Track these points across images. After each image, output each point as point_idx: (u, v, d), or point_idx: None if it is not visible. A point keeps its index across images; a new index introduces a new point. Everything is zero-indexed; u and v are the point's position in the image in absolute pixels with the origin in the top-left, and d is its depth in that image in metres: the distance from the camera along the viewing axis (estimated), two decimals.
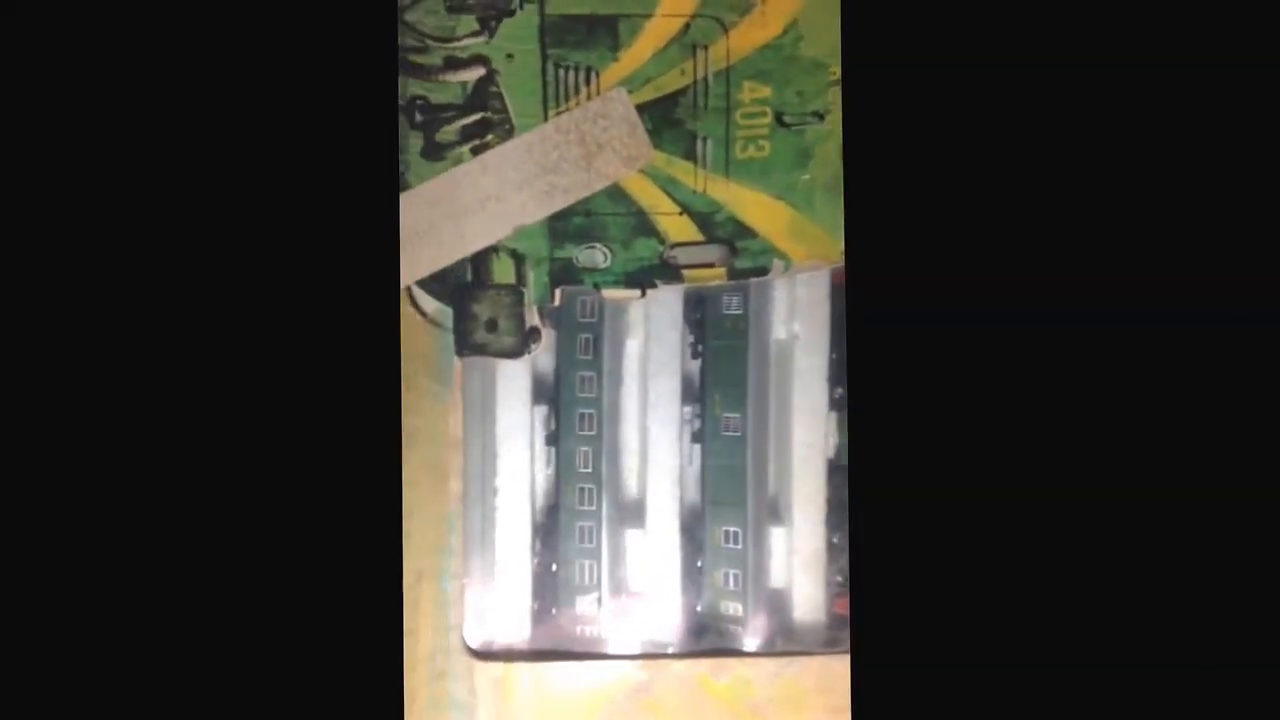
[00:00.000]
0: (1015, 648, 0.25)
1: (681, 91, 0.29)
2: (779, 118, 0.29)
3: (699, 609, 0.32)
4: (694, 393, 0.32)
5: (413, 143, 0.29)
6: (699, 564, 0.32)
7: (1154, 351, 0.25)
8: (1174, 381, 0.25)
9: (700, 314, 0.31)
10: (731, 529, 0.31)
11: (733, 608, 0.31)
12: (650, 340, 0.32)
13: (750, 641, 0.31)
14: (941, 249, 0.27)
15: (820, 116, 0.29)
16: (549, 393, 0.31)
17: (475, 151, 0.29)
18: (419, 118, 0.29)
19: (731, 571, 0.31)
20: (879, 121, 0.27)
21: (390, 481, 0.27)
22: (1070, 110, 0.26)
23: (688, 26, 0.29)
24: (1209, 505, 0.24)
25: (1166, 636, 0.24)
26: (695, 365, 0.32)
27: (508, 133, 0.29)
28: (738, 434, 0.31)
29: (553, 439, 0.32)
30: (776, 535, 0.31)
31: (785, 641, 0.31)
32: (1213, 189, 0.26)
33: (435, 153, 0.29)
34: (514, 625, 0.31)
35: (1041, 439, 0.25)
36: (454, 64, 0.29)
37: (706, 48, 0.29)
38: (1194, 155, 0.26)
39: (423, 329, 0.30)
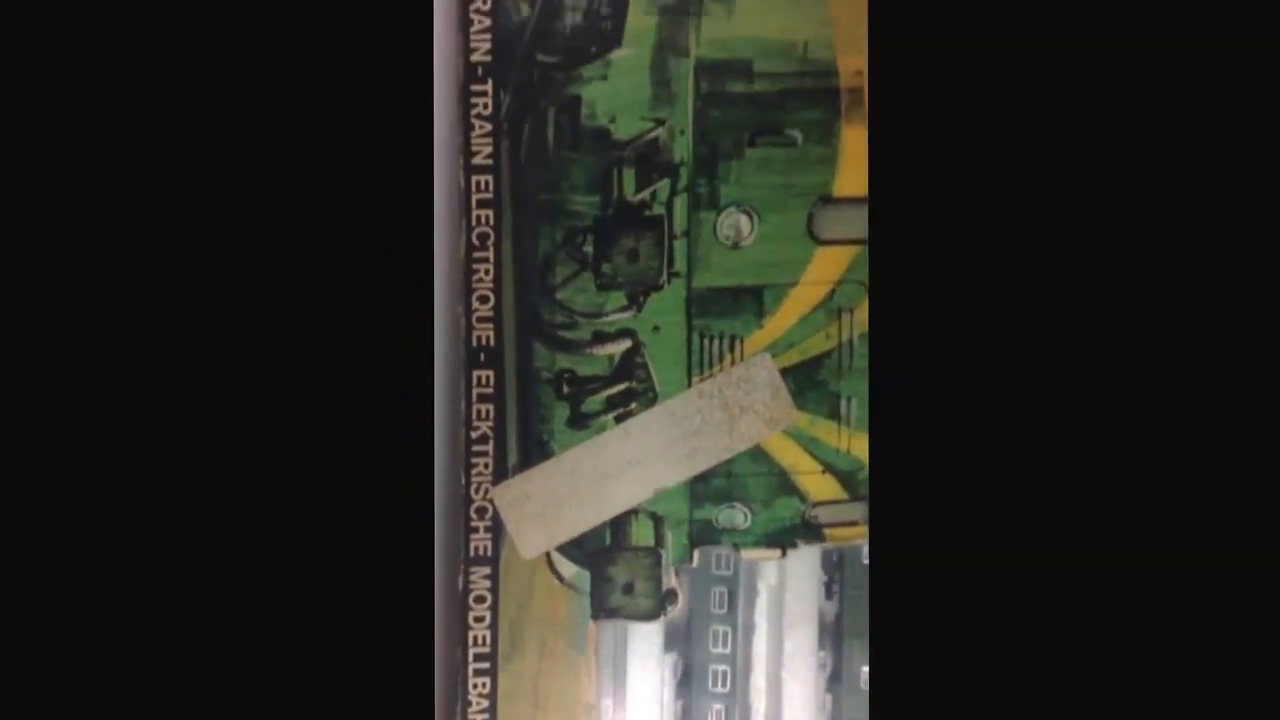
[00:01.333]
0: None
1: (826, 354, 0.29)
2: None
3: None
4: (829, 634, 0.31)
5: (558, 413, 0.29)
6: None
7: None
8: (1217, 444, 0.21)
9: (838, 560, 0.30)
10: None
11: None
12: (785, 590, 0.31)
13: None
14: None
15: None
16: (680, 642, 0.31)
17: (619, 419, 0.29)
18: (566, 389, 0.29)
19: None
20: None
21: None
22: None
23: (833, 293, 0.29)
24: (1251, 568, 0.21)
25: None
26: (830, 606, 0.31)
27: (651, 400, 0.29)
28: None
29: (682, 691, 0.30)
30: None
31: None
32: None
33: (580, 422, 0.29)
34: None
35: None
36: (602, 338, 0.29)
37: (852, 311, 0.29)
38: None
39: (560, 594, 0.29)
